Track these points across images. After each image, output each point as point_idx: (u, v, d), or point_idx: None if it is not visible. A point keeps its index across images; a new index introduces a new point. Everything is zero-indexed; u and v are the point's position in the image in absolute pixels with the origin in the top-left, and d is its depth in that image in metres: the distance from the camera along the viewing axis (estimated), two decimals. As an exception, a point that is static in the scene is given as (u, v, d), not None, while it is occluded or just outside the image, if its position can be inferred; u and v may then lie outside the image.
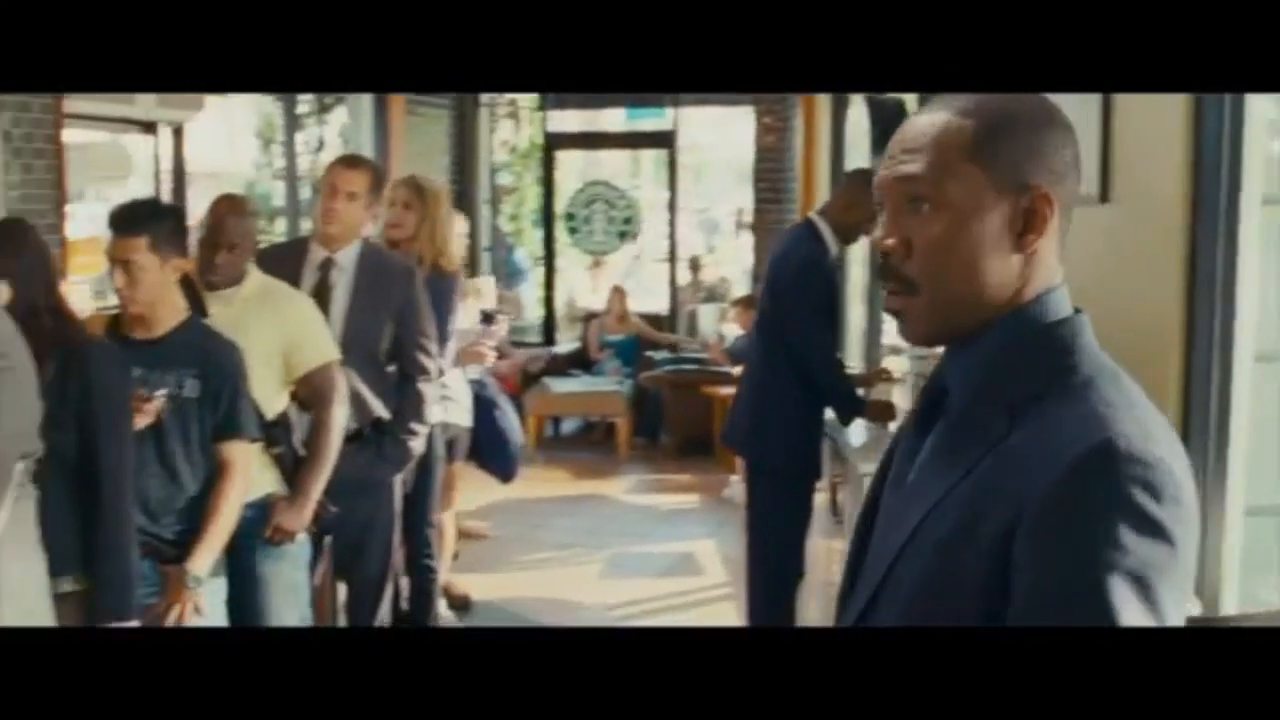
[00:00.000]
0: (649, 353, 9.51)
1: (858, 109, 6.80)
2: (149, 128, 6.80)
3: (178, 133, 6.93)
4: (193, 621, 3.00)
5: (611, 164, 13.43)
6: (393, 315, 4.04)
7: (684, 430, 8.90)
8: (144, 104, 6.56)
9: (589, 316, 10.15)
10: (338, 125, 10.09)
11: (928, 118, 1.29)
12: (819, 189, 7.72)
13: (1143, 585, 1.11)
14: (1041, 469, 1.16)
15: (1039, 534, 1.15)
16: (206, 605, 3.06)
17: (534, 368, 9.35)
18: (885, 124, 5.56)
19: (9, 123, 5.03)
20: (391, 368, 4.12)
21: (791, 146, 8.91)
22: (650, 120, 10.37)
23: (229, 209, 3.57)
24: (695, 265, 10.84)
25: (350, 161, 4.13)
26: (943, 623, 1.22)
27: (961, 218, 1.26)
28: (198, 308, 3.23)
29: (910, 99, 5.41)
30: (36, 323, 2.64)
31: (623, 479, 8.28)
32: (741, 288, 10.18)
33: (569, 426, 9.76)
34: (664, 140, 10.15)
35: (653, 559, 6.43)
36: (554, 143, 10.42)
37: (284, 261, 3.95)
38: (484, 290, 6.27)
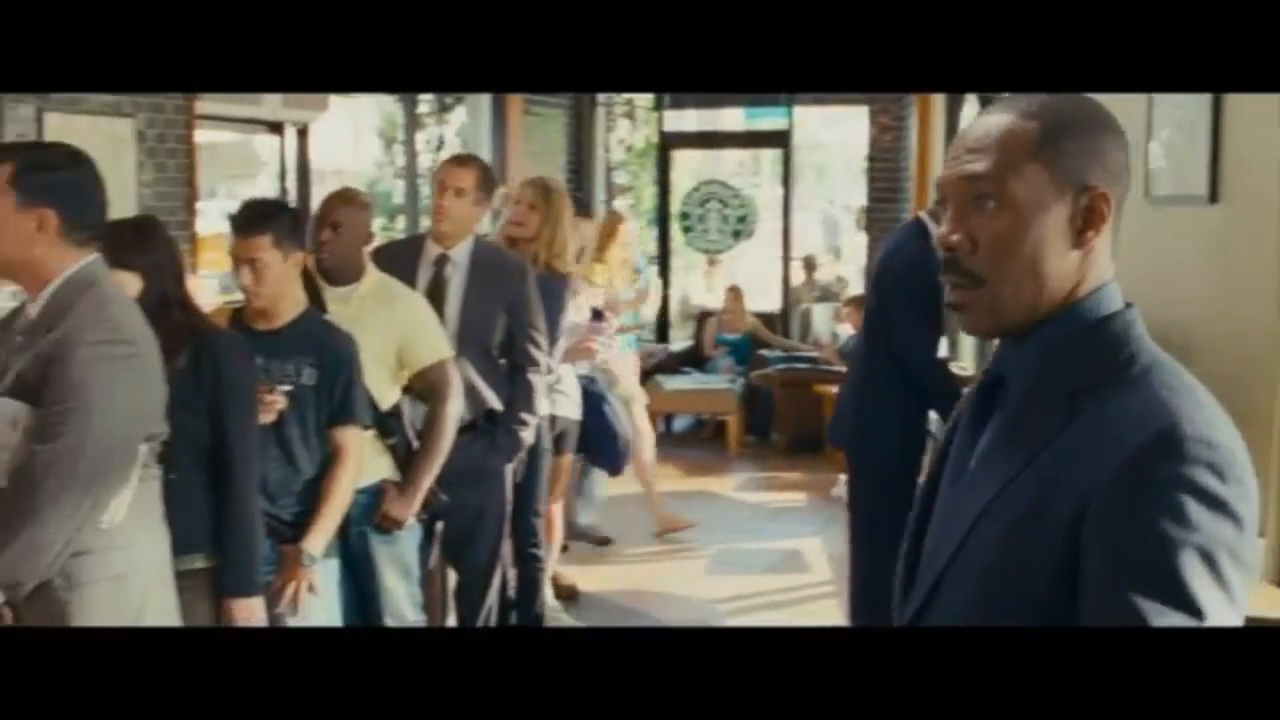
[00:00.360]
0: (762, 351, 9.52)
1: (971, 107, 6.76)
2: (276, 128, 7.01)
3: (302, 133, 7.13)
4: (307, 599, 3.14)
5: (731, 162, 13.40)
6: (505, 308, 4.14)
7: (794, 428, 8.88)
8: (270, 105, 6.78)
9: (703, 315, 10.18)
10: (457, 125, 10.31)
11: (993, 119, 1.34)
12: (933, 187, 7.66)
13: (1211, 562, 1.15)
14: (1108, 454, 1.20)
15: (1108, 516, 1.19)
16: (320, 584, 3.19)
17: (647, 364, 9.40)
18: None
19: (143, 123, 5.24)
20: (504, 361, 4.23)
21: (906, 145, 8.85)
22: (769, 120, 10.35)
23: (339, 198, 3.78)
24: (810, 264, 10.79)
25: (459, 159, 4.24)
26: (1011, 608, 1.26)
27: (1026, 214, 1.30)
28: (316, 301, 3.38)
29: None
30: (165, 315, 2.74)
31: (732, 476, 8.31)
32: (858, 286, 10.11)
33: (681, 424, 9.82)
34: (779, 140, 10.12)
35: (760, 555, 6.46)
36: (669, 142, 10.47)
37: (401, 258, 4.08)
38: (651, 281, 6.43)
